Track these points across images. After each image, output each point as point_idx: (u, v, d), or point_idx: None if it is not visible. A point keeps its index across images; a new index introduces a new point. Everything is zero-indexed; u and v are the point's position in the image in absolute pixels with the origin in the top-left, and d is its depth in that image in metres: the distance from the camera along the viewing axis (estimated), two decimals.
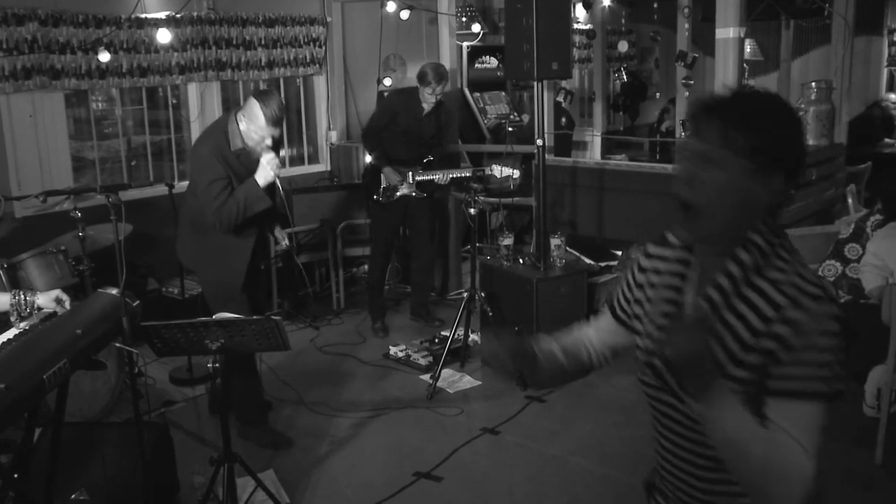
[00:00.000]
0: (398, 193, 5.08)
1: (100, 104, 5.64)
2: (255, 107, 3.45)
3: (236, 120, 3.55)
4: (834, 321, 1.29)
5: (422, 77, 5.00)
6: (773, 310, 1.31)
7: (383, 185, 5.08)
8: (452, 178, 5.14)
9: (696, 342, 1.25)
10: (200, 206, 3.56)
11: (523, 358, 1.62)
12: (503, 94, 7.65)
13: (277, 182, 3.59)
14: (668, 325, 1.38)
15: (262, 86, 6.33)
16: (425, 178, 5.09)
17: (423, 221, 5.35)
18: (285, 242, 4.17)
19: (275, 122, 3.47)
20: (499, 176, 5.22)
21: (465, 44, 7.14)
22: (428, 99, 5.02)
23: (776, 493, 1.25)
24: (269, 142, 3.50)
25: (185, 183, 5.67)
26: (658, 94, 10.15)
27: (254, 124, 3.47)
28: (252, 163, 3.55)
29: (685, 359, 1.25)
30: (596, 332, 1.72)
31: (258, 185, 3.51)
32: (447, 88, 5.17)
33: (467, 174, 5.12)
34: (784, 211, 1.42)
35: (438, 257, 5.93)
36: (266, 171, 3.51)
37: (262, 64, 6.00)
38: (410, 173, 5.10)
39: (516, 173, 5.25)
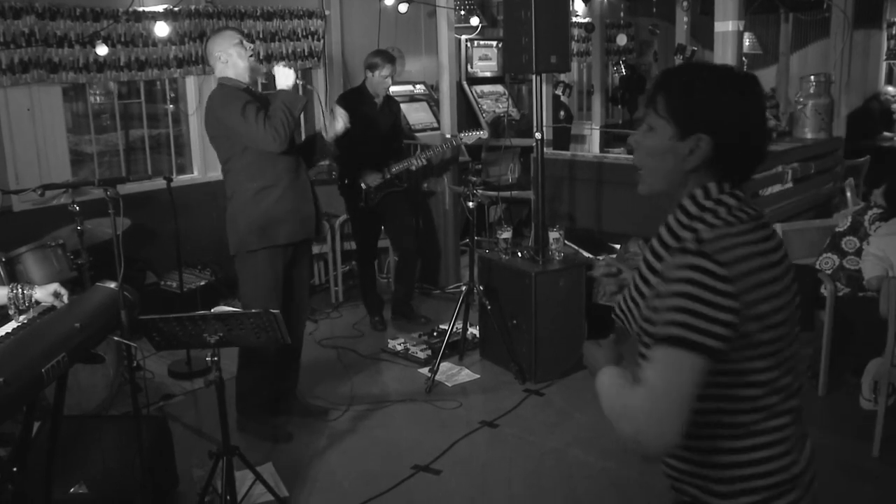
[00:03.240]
0: (382, 193, 5.08)
1: (98, 97, 5.63)
2: (220, 37, 3.57)
3: (222, 72, 3.57)
4: (688, 270, 1.29)
5: (372, 66, 5.00)
6: (657, 262, 1.41)
7: (364, 188, 5.07)
8: (427, 158, 5.21)
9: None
10: (248, 138, 3.42)
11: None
12: (501, 87, 7.64)
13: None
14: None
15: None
16: (402, 168, 5.11)
17: (404, 215, 5.31)
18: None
19: (239, 32, 3.60)
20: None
21: (463, 37, 7.12)
22: (382, 85, 5.02)
23: (623, 431, 1.31)
24: (251, 55, 3.54)
25: (184, 176, 5.73)
26: None
27: (231, 48, 3.52)
28: (261, 93, 3.56)
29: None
30: None
31: (286, 90, 3.48)
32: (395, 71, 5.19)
33: (438, 152, 5.20)
34: (747, 181, 1.44)
35: (425, 250, 5.90)
36: (285, 74, 3.49)
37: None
38: (386, 169, 5.10)
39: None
